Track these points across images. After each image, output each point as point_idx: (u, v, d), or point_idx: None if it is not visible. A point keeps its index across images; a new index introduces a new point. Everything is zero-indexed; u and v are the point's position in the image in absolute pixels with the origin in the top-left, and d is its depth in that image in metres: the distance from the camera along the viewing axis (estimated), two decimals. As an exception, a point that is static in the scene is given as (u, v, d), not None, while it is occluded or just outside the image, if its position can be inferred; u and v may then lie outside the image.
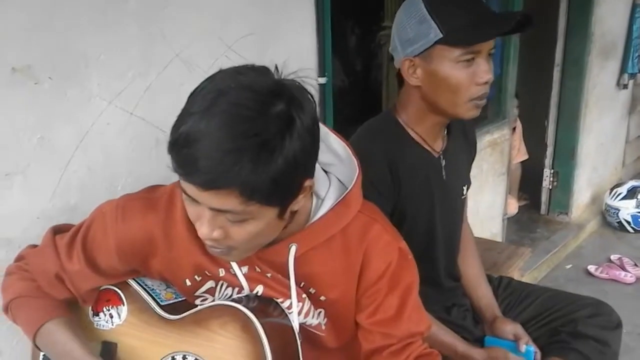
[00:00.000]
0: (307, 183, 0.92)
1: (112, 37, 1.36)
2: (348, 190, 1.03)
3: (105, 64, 1.36)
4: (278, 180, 0.83)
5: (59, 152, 1.32)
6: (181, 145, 0.82)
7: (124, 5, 1.37)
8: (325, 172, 1.09)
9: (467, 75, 1.28)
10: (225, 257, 0.98)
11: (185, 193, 0.87)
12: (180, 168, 0.83)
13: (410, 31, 1.30)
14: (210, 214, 0.87)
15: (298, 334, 1.06)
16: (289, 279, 1.04)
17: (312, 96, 0.90)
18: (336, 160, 1.08)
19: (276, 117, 0.82)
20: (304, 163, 0.87)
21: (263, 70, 0.87)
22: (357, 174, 1.05)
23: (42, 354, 1.15)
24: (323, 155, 1.06)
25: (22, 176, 1.27)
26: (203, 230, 0.89)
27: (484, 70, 1.28)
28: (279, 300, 1.06)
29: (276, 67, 0.89)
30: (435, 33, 1.26)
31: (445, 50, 1.27)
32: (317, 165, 1.05)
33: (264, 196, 0.84)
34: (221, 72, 0.87)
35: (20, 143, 1.26)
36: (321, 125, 1.06)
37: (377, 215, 1.09)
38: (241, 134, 0.80)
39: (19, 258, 1.16)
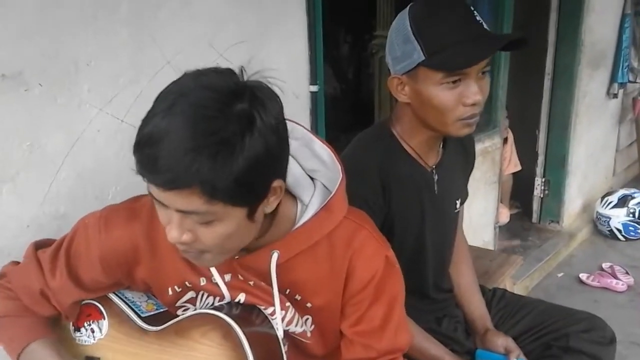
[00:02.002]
0: (276, 184, 0.91)
1: (103, 43, 1.36)
2: (331, 196, 1.02)
3: (95, 70, 1.35)
4: (240, 179, 0.82)
5: (49, 159, 1.31)
6: (143, 146, 0.82)
7: (115, 12, 1.37)
8: (312, 178, 1.08)
9: (453, 96, 1.23)
10: (199, 262, 0.97)
11: (152, 196, 0.87)
12: (143, 168, 0.83)
13: (397, 49, 1.27)
14: (177, 217, 0.87)
15: (282, 340, 1.05)
16: (272, 286, 1.03)
17: (277, 97, 0.89)
18: (321, 166, 1.07)
19: (236, 116, 0.82)
20: (270, 163, 0.86)
21: (226, 72, 0.87)
22: (340, 180, 1.04)
23: None
24: (308, 162, 1.06)
25: (11, 183, 1.26)
26: (172, 233, 0.88)
27: (472, 92, 1.23)
28: (262, 307, 1.05)
29: (242, 69, 0.88)
30: (419, 55, 1.22)
31: (429, 72, 1.23)
32: (302, 172, 1.06)
33: (228, 196, 0.83)
34: (185, 75, 0.87)
35: (10, 150, 1.25)
36: (306, 132, 1.06)
37: (364, 221, 1.08)
38: (200, 132, 0.80)
39: (2, 275, 1.14)
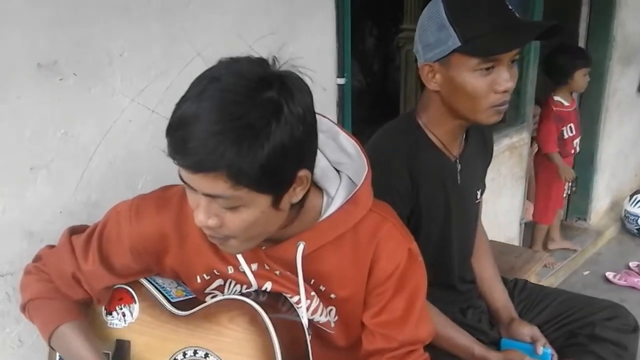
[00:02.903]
0: (302, 174, 0.91)
1: (135, 34, 1.38)
2: (357, 189, 1.03)
3: (128, 61, 1.37)
4: (265, 166, 0.83)
5: (82, 147, 1.34)
6: (174, 128, 0.85)
7: (147, 4, 1.39)
8: (337, 171, 1.09)
9: (485, 83, 1.25)
10: (225, 248, 0.98)
11: (182, 179, 0.89)
12: (173, 151, 0.85)
13: (431, 36, 1.28)
14: (205, 201, 0.88)
15: (307, 328, 1.06)
16: (297, 276, 1.05)
17: (307, 88, 0.91)
18: (347, 158, 1.08)
19: (263, 102, 0.83)
20: (296, 152, 0.87)
21: (259, 61, 0.89)
22: (366, 172, 1.05)
23: (58, 354, 1.17)
24: (334, 154, 1.07)
25: (46, 170, 1.29)
26: (199, 217, 0.90)
27: (504, 79, 1.25)
28: (287, 296, 1.07)
29: (274, 59, 0.89)
30: (454, 41, 1.24)
31: (463, 58, 1.24)
32: (328, 164, 1.07)
33: (253, 181, 0.84)
34: (219, 62, 0.89)
35: (45, 138, 1.28)
36: (332, 124, 1.07)
37: (389, 214, 1.08)
38: (226, 116, 0.82)
39: (37, 258, 1.18)
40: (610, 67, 3.70)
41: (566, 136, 3.37)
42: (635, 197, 4.02)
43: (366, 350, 1.10)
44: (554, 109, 3.33)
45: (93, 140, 1.36)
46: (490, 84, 1.26)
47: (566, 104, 3.37)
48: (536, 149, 3.43)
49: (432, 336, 1.12)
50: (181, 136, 0.83)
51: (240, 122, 0.81)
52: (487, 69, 1.25)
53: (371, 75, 5.41)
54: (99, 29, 1.32)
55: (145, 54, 1.41)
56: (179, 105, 0.86)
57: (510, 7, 1.24)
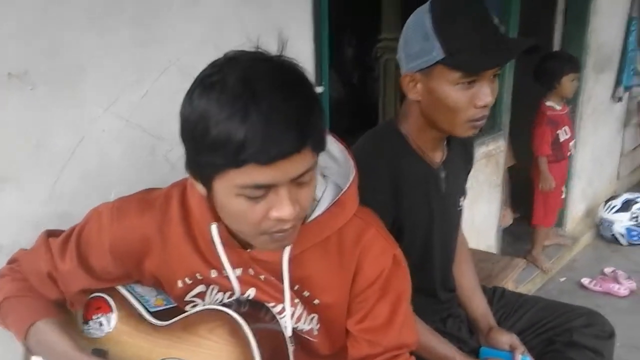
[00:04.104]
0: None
1: (109, 44, 1.36)
2: (343, 191, 1.03)
3: (101, 70, 1.36)
4: (324, 123, 0.88)
5: (54, 158, 1.32)
6: (249, 143, 0.80)
7: (120, 13, 1.37)
8: (323, 175, 1.09)
9: (466, 97, 1.25)
10: (285, 241, 0.96)
11: (249, 190, 0.85)
12: (262, 152, 0.81)
13: (414, 46, 1.27)
14: (286, 190, 0.87)
15: (290, 338, 1.05)
16: (282, 281, 1.04)
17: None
18: (333, 163, 1.08)
19: (297, 75, 0.89)
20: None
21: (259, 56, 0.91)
22: (353, 176, 1.05)
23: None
24: (320, 158, 1.06)
25: (15, 182, 1.26)
26: (287, 210, 0.87)
27: (484, 94, 1.24)
28: (270, 305, 1.06)
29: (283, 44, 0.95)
30: (438, 53, 1.22)
31: (446, 71, 1.23)
32: None
33: (324, 142, 0.89)
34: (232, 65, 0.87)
35: (15, 148, 1.25)
36: None
37: (372, 220, 1.09)
38: (286, 95, 0.83)
39: (12, 261, 1.16)
40: (585, 75, 3.76)
41: (562, 139, 3.47)
42: (609, 203, 4.07)
43: (352, 357, 1.10)
44: (547, 113, 3.43)
45: (65, 151, 1.33)
46: (470, 98, 1.25)
47: (558, 107, 3.47)
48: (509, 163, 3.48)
49: (417, 341, 1.12)
50: (254, 134, 0.80)
51: (299, 95, 0.85)
52: (469, 82, 1.24)
53: (350, 85, 5.42)
54: (71, 38, 1.30)
55: (119, 64, 1.39)
56: (227, 125, 0.81)
57: (496, 23, 1.24)
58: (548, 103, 3.44)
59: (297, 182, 0.87)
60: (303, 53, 1.89)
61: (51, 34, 1.27)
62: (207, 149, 0.83)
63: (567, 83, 3.34)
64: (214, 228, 1.01)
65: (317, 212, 1.03)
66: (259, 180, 0.84)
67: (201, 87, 0.85)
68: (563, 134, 3.47)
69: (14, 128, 1.24)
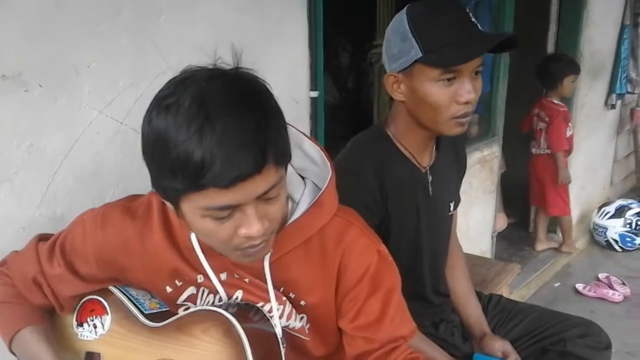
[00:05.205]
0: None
1: (104, 47, 1.36)
2: (321, 192, 1.03)
3: (96, 73, 1.36)
4: (285, 136, 0.88)
5: (48, 160, 1.31)
6: (208, 165, 0.79)
7: (116, 16, 1.37)
8: (302, 178, 1.09)
9: (447, 94, 1.26)
10: (260, 254, 0.96)
11: (219, 208, 0.84)
12: (221, 176, 0.80)
13: (395, 47, 1.29)
14: (253, 208, 0.86)
15: (281, 339, 1.05)
16: (266, 283, 1.04)
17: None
18: (311, 165, 1.08)
19: (256, 90, 0.87)
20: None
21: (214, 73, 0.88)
22: (330, 176, 1.05)
23: None
24: (298, 161, 1.07)
25: (9, 184, 1.26)
26: (255, 227, 0.87)
27: (466, 90, 1.25)
28: (259, 305, 1.06)
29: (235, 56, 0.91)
30: (415, 52, 1.25)
31: (425, 69, 1.25)
32: (293, 171, 1.07)
33: (286, 156, 0.88)
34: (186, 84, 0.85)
35: (9, 150, 1.25)
36: (296, 132, 1.07)
37: (354, 218, 1.08)
38: (243, 117, 0.81)
39: (2, 263, 1.16)
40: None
41: (568, 134, 3.62)
42: (603, 209, 4.09)
43: (350, 356, 1.10)
44: (561, 110, 3.58)
45: (59, 153, 1.33)
46: (452, 95, 1.26)
47: (561, 104, 3.63)
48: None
49: (414, 331, 1.12)
50: (212, 157, 0.79)
51: (256, 112, 0.82)
52: (449, 79, 1.25)
53: (345, 91, 5.44)
54: (67, 40, 1.30)
55: (114, 66, 1.39)
56: (187, 145, 0.79)
57: (473, 19, 1.26)
58: (555, 100, 3.59)
59: (264, 198, 0.86)
60: (298, 58, 1.89)
61: (46, 37, 1.26)
62: (168, 173, 0.82)
63: (568, 84, 3.53)
64: (193, 237, 1.01)
65: (297, 214, 1.03)
66: (222, 203, 0.83)
67: (157, 109, 0.84)
68: (569, 130, 3.63)
69: (8, 130, 1.24)
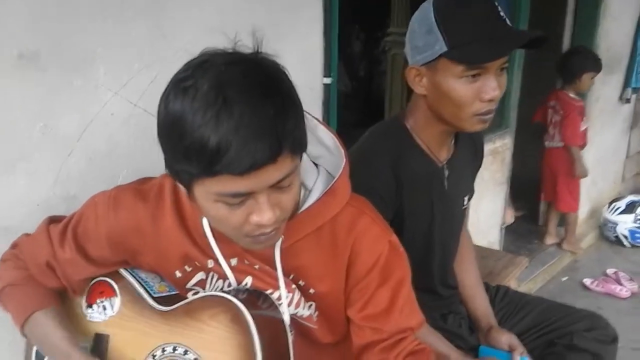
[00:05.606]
0: None
1: (120, 28, 1.36)
2: (334, 180, 1.03)
3: (112, 54, 1.36)
4: (303, 126, 0.87)
5: (62, 140, 1.32)
6: (224, 150, 0.79)
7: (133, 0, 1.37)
8: (316, 165, 1.08)
9: (471, 90, 1.23)
10: (270, 241, 0.96)
11: (227, 198, 0.84)
12: (236, 164, 0.79)
13: (419, 39, 1.26)
14: (266, 196, 0.86)
15: (289, 326, 1.05)
16: (276, 270, 1.04)
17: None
18: (325, 151, 1.07)
19: (275, 75, 0.85)
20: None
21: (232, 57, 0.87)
22: (344, 164, 1.04)
23: (34, 349, 1.15)
24: (312, 148, 1.06)
25: (24, 163, 1.27)
26: (267, 215, 0.86)
27: (490, 87, 1.22)
28: (268, 292, 1.06)
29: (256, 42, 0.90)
30: (441, 46, 1.22)
31: (450, 64, 1.22)
32: (306, 157, 1.06)
33: (304, 145, 0.87)
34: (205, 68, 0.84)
35: (24, 130, 1.25)
36: (310, 117, 1.05)
37: (366, 208, 1.08)
38: (262, 103, 0.80)
39: (14, 245, 1.16)
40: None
41: (582, 129, 3.59)
42: (614, 204, 4.07)
43: (357, 345, 1.10)
44: (577, 104, 3.54)
45: (73, 133, 1.33)
46: (476, 91, 1.23)
47: (579, 99, 3.60)
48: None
49: (422, 323, 1.12)
50: (227, 144, 0.78)
51: (275, 100, 0.81)
52: (474, 76, 1.22)
53: (357, 79, 5.42)
54: (84, 22, 1.30)
55: (130, 48, 1.39)
56: (202, 130, 0.78)
57: (502, 14, 1.22)
58: (572, 94, 3.55)
59: (277, 187, 0.86)
60: (312, 43, 1.88)
61: (64, 18, 1.26)
62: (182, 157, 0.82)
63: (586, 80, 3.49)
64: (205, 222, 1.01)
65: (309, 201, 1.02)
66: (235, 190, 0.83)
67: (175, 91, 0.83)
68: (584, 124, 3.60)
69: (23, 109, 1.24)
